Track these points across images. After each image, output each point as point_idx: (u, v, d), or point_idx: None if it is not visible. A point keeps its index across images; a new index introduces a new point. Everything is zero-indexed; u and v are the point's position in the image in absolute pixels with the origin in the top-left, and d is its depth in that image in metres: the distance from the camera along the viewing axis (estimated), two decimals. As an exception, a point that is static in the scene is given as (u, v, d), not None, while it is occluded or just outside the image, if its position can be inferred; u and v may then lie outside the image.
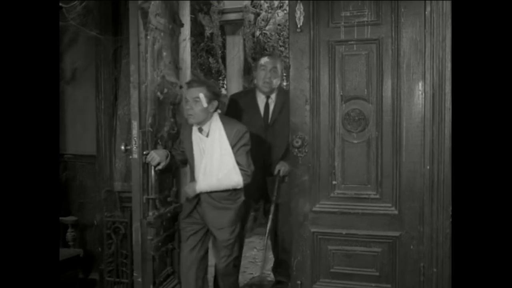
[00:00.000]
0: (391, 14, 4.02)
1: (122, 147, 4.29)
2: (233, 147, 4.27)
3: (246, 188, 4.46)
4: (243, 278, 5.84)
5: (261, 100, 5.07)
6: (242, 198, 4.47)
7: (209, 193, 4.31)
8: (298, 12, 4.22)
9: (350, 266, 4.23)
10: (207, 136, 4.30)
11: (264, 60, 5.00)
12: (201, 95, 4.19)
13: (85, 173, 5.48)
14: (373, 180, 4.15)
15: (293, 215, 4.32)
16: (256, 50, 8.30)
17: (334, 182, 4.23)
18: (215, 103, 4.31)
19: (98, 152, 5.20)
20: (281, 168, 4.82)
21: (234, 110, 5.03)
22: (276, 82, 4.95)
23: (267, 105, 5.05)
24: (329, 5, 4.16)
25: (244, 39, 8.14)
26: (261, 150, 4.87)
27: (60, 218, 5.21)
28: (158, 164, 4.25)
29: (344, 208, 4.21)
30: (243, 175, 4.29)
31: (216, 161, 4.25)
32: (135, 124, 4.05)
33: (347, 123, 4.17)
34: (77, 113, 5.49)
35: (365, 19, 4.09)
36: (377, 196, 4.13)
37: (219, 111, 4.36)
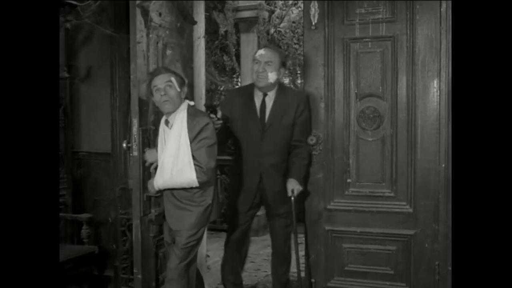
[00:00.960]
0: (406, 11, 4.01)
1: (124, 145, 4.27)
2: (192, 140, 3.82)
3: (244, 194, 4.26)
4: (258, 276, 5.83)
5: (257, 97, 4.33)
6: (208, 201, 3.92)
7: (172, 191, 3.91)
8: (313, 10, 4.21)
9: (364, 264, 4.22)
10: (170, 128, 3.90)
11: (258, 52, 4.35)
12: (173, 79, 3.87)
13: (99, 171, 5.49)
14: (388, 178, 4.14)
15: (308, 213, 4.32)
16: (271, 47, 8.30)
17: (348, 180, 4.22)
18: (185, 89, 3.99)
19: (112, 150, 5.21)
20: (295, 187, 4.13)
21: (229, 108, 4.40)
22: (272, 76, 4.18)
23: (263, 104, 4.29)
24: (344, 3, 4.16)
25: (258, 37, 8.12)
26: (256, 158, 4.23)
27: (75, 215, 5.23)
28: (152, 163, 4.07)
29: (359, 206, 4.20)
30: (198, 171, 3.78)
31: (172, 154, 3.85)
32: (135, 122, 4.05)
33: (361, 120, 4.16)
34: (92, 110, 5.50)
35: (380, 16, 4.08)
36: (392, 194, 4.12)
37: (191, 102, 3.98)
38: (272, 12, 8.42)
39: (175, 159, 3.82)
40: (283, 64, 4.25)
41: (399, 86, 4.06)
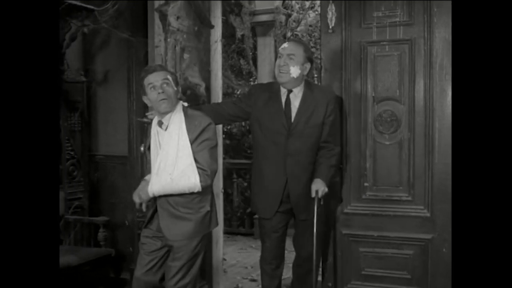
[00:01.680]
0: (424, 14, 3.99)
1: (141, 148, 4.26)
2: (192, 142, 3.57)
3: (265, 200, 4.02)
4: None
5: (283, 94, 4.05)
6: (207, 208, 3.68)
7: (167, 197, 3.61)
8: (330, 13, 4.21)
9: (381, 269, 4.20)
10: (165, 129, 3.63)
11: (282, 46, 4.08)
12: (169, 77, 3.62)
13: (116, 174, 5.52)
14: (405, 182, 4.12)
15: (325, 217, 4.31)
16: (287, 51, 8.28)
17: (365, 184, 4.21)
18: (180, 88, 3.74)
19: (129, 153, 5.24)
20: (320, 188, 3.88)
21: (251, 103, 4.12)
22: (294, 71, 3.89)
23: (288, 101, 4.02)
24: (361, 6, 4.15)
25: (275, 40, 8.12)
26: (281, 159, 3.99)
27: (92, 218, 5.25)
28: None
29: (376, 210, 4.18)
30: (201, 175, 3.53)
31: (171, 158, 3.56)
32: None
33: (379, 124, 4.14)
34: (109, 114, 5.53)
35: (397, 19, 4.07)
36: (409, 198, 4.10)
37: (184, 103, 3.75)
38: (289, 15, 8.42)
39: (174, 162, 3.55)
40: (308, 59, 3.96)
41: (417, 90, 4.04)
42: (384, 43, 4.12)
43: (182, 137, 3.56)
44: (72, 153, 4.85)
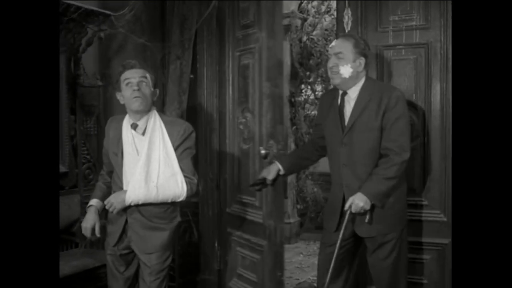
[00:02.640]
0: (440, 18, 3.97)
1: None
2: (175, 149, 3.46)
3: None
4: (290, 284, 5.82)
5: (340, 97, 3.78)
6: (178, 218, 3.63)
7: (139, 207, 3.44)
8: (346, 17, 4.20)
9: (398, 273, 4.17)
10: (143, 134, 3.45)
11: (330, 45, 3.81)
12: (148, 75, 3.46)
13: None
14: (421, 186, 4.09)
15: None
16: (303, 55, 8.24)
17: (381, 188, 4.18)
18: (157, 91, 3.57)
19: (146, 157, 5.25)
20: (353, 202, 3.50)
21: (320, 114, 4.03)
22: (345, 70, 3.61)
23: (342, 104, 3.74)
24: (377, 10, 4.14)
25: (291, 45, 8.09)
26: (337, 169, 3.74)
27: (105, 221, 5.26)
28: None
29: (392, 214, 4.15)
30: (188, 183, 3.45)
31: (154, 165, 3.41)
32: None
33: (395, 128, 4.12)
34: (125, 118, 5.55)
35: (414, 23, 4.05)
36: (425, 203, 4.07)
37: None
38: (305, 20, 8.39)
39: (158, 169, 3.41)
40: (361, 54, 3.65)
41: (433, 94, 4.02)
42: (400, 47, 4.11)
43: (166, 144, 3.45)
44: (88, 156, 4.86)
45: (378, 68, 4.16)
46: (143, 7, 4.99)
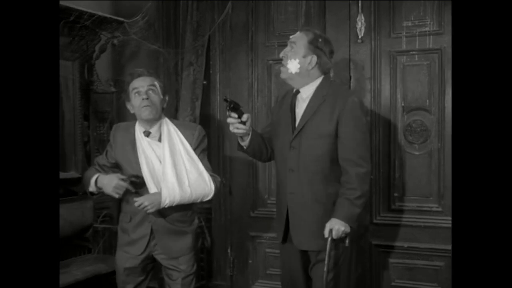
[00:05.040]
0: (454, 23, 3.96)
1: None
2: (194, 150, 3.46)
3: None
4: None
5: (292, 96, 3.44)
6: (196, 220, 3.64)
7: (162, 213, 3.42)
8: (359, 23, 4.20)
9: (411, 280, 4.17)
10: (159, 140, 3.44)
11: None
12: (157, 83, 3.45)
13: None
14: (435, 192, 4.09)
15: (353, 227, 4.28)
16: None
17: (395, 194, 4.18)
18: (167, 98, 3.57)
19: (158, 162, 5.25)
20: (334, 227, 3.13)
21: (273, 113, 3.71)
22: (292, 65, 3.25)
23: (293, 105, 3.40)
24: (390, 16, 4.15)
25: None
26: (283, 176, 3.39)
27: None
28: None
29: (406, 220, 4.16)
30: (214, 181, 3.43)
31: (181, 167, 3.38)
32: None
33: (408, 134, 4.12)
34: (138, 124, 5.56)
35: (427, 29, 4.06)
36: (439, 209, 4.07)
37: None
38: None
39: (185, 171, 3.38)
40: (313, 51, 3.28)
41: (447, 99, 4.01)
42: (414, 52, 4.11)
43: (186, 146, 3.44)
44: (101, 162, 4.88)
45: (392, 74, 4.16)
46: (156, 14, 5.00)
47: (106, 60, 5.22)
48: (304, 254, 3.38)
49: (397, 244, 4.19)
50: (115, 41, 4.94)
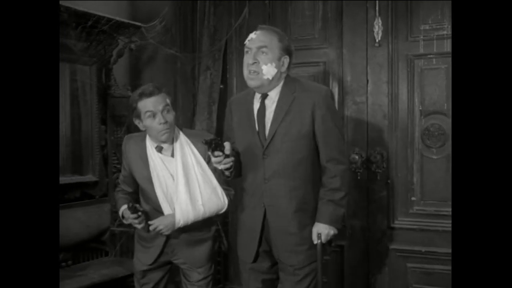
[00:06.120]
0: (472, 26, 3.95)
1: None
2: (207, 162, 3.30)
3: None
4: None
5: (256, 101, 3.15)
6: (214, 225, 3.54)
7: (180, 228, 3.31)
8: (377, 27, 4.19)
9: (429, 285, 4.14)
10: (171, 155, 3.31)
11: (249, 37, 3.08)
12: (168, 100, 3.26)
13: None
14: (454, 196, 4.05)
15: (371, 232, 4.27)
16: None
17: (413, 198, 4.16)
18: (174, 112, 3.37)
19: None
20: (323, 231, 3.00)
21: (229, 125, 3.34)
22: (268, 70, 2.98)
23: (262, 109, 3.11)
24: (407, 19, 4.14)
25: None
26: (257, 186, 3.12)
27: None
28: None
29: (423, 225, 4.14)
30: (228, 195, 3.34)
31: (194, 184, 3.27)
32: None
33: (426, 138, 4.11)
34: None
35: (445, 32, 4.04)
36: (458, 213, 4.03)
37: None
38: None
39: (198, 188, 3.26)
40: (286, 51, 3.05)
41: (465, 103, 3.99)
42: (431, 56, 4.10)
43: (199, 160, 3.31)
44: (118, 166, 4.87)
45: (409, 77, 4.15)
46: (173, 19, 5.03)
47: (124, 65, 5.25)
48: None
49: (415, 248, 4.17)
50: (133, 45, 4.96)
